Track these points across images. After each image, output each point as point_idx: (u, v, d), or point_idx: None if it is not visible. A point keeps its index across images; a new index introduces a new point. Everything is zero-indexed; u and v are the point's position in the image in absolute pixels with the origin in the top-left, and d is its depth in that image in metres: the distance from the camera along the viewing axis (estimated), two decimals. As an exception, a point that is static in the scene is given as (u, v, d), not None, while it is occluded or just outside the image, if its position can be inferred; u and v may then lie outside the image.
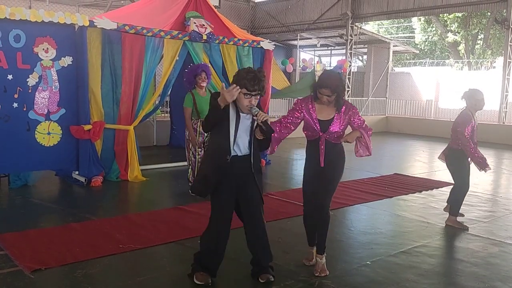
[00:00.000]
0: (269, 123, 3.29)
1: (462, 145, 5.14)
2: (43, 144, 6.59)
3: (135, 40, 7.15)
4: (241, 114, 3.36)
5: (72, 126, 6.74)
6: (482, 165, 5.14)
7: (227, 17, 9.59)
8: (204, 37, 7.84)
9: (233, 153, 3.38)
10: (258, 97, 3.32)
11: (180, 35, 7.62)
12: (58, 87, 6.66)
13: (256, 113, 3.25)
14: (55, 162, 6.78)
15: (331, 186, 3.87)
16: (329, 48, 25.28)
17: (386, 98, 19.41)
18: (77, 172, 6.93)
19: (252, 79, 3.24)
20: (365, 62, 26.41)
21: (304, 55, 25.48)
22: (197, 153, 6.26)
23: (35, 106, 6.48)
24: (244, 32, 9.53)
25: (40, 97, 6.52)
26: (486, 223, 5.60)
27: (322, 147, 3.80)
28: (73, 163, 6.91)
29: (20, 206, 5.69)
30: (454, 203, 5.38)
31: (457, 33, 26.69)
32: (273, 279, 3.60)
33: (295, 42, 23.03)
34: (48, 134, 6.63)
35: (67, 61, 6.70)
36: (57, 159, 6.76)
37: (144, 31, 7.20)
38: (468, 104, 5.26)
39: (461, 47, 27.30)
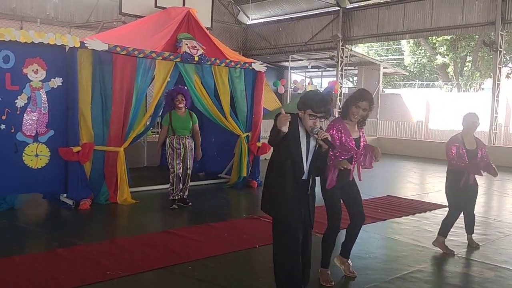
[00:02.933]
0: (330, 140, 3.36)
1: (452, 164, 5.21)
2: (30, 166, 6.46)
3: (126, 61, 7.11)
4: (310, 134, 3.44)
5: (61, 148, 6.62)
6: (478, 170, 5.18)
7: (219, 39, 9.61)
8: (196, 58, 7.82)
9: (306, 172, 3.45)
10: (323, 119, 3.38)
11: (171, 57, 7.59)
12: (47, 109, 6.57)
13: (317, 132, 3.31)
14: (43, 185, 6.64)
15: (360, 195, 4.25)
16: (320, 69, 25.47)
17: (377, 119, 19.47)
18: (65, 195, 6.79)
19: (319, 101, 3.31)
20: (355, 84, 26.62)
21: (295, 77, 25.63)
22: (175, 169, 6.74)
23: (23, 128, 6.38)
24: (236, 53, 9.55)
25: (28, 119, 6.42)
26: (482, 246, 5.52)
27: (355, 163, 4.05)
28: (61, 185, 6.77)
29: (5, 230, 5.52)
30: (443, 224, 5.33)
31: (446, 56, 27.07)
32: None
33: (286, 64, 23.17)
34: (36, 156, 6.51)
35: (57, 82, 6.63)
36: (45, 181, 6.61)
37: (136, 52, 7.16)
38: (463, 127, 5.33)
39: (450, 69, 27.67)
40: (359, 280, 4.23)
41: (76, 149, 6.66)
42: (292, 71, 25.49)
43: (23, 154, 6.39)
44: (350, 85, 29.15)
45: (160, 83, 7.49)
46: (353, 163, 4.03)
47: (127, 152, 7.38)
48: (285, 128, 3.23)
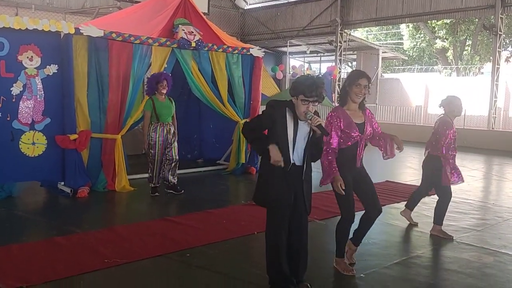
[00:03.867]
0: (324, 126, 3.31)
1: (437, 149, 5.22)
2: (27, 155, 6.42)
3: (122, 47, 7.02)
4: (299, 121, 3.36)
5: (58, 136, 6.58)
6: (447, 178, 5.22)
7: (217, 24, 9.50)
8: (193, 44, 7.74)
9: (292, 161, 3.40)
10: (316, 104, 3.31)
11: (168, 43, 7.50)
12: (43, 96, 6.50)
13: (310, 117, 3.25)
14: (40, 173, 6.60)
15: (373, 185, 4.08)
16: (319, 54, 25.35)
17: (376, 104, 19.41)
18: (62, 183, 6.76)
19: (310, 86, 3.24)
20: (354, 68, 26.46)
21: (294, 62, 25.49)
22: (156, 155, 6.63)
23: (19, 116, 6.32)
24: (233, 39, 9.45)
25: (24, 106, 6.36)
26: (479, 231, 5.53)
27: (360, 149, 3.93)
28: (58, 173, 6.74)
29: (3, 218, 5.50)
30: (438, 211, 5.32)
31: (445, 40, 26.88)
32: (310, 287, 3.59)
33: (285, 49, 23.03)
34: (32, 144, 6.47)
35: (52, 69, 6.55)
36: (42, 169, 6.58)
37: (132, 38, 7.08)
38: (446, 110, 5.27)
39: (449, 53, 27.51)
40: (358, 266, 4.21)
41: (73, 136, 6.62)
42: (290, 56, 25.35)
43: (20, 142, 6.35)
44: (349, 70, 28.99)
45: (157, 69, 7.40)
46: (358, 149, 3.92)
47: (125, 139, 7.34)
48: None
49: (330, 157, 3.80)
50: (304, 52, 24.29)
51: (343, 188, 3.76)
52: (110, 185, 7.03)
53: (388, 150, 4.06)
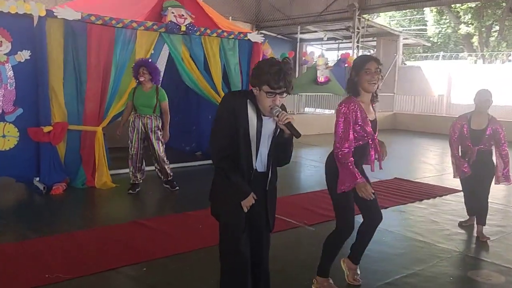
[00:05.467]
0: (294, 125, 2.57)
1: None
2: (-3, 148, 5.95)
3: (103, 32, 6.45)
4: (263, 117, 2.65)
5: (30, 128, 6.08)
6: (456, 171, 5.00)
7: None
8: (183, 28, 7.11)
9: (255, 167, 2.71)
10: (284, 95, 2.59)
11: (155, 27, 6.89)
12: (14, 85, 5.99)
13: (277, 113, 2.55)
14: (12, 168, 6.11)
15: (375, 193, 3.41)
16: (337, 41, 24.37)
17: (394, 93, 18.48)
18: (38, 179, 6.27)
19: (277, 73, 2.50)
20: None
21: (311, 49, 24.60)
22: (132, 149, 6.22)
23: (-14, 106, 5.84)
24: (231, 23, 8.77)
25: (-8, 96, 5.87)
26: (493, 241, 4.80)
27: (373, 151, 3.36)
28: (33, 168, 6.25)
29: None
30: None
31: (470, 25, 25.56)
32: None
33: (301, 36, 22.18)
34: (3, 137, 5.98)
35: (24, 55, 6.03)
36: (14, 164, 6.09)
37: (113, 22, 6.50)
38: (475, 105, 4.84)
39: (475, 39, 26.17)
40: (338, 285, 3.57)
41: (47, 129, 6.11)
42: (307, 43, 24.47)
43: (-12, 135, 5.88)
44: (370, 57, 27.83)
45: (143, 55, 6.80)
46: (370, 151, 3.35)
47: (110, 131, 6.77)
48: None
49: (348, 161, 3.20)
50: (321, 39, 23.37)
51: (373, 191, 3.19)
52: (90, 181, 6.52)
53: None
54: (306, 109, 16.49)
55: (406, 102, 18.45)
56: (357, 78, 3.22)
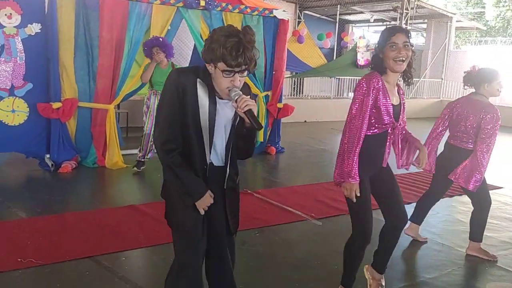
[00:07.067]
0: (255, 114, 2.07)
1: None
2: (6, 123, 5.83)
3: (116, 5, 6.17)
4: (218, 100, 2.16)
5: (39, 104, 5.93)
6: None
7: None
8: (202, 3, 6.73)
9: (209, 161, 2.23)
10: (245, 74, 2.08)
11: (172, 1, 6.55)
12: (23, 59, 5.84)
13: (236, 97, 2.05)
14: (22, 144, 6.01)
15: (399, 188, 2.98)
16: (385, 23, 23.20)
17: (442, 79, 17.39)
18: (48, 156, 6.16)
19: (234, 48, 1.97)
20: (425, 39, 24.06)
21: (357, 31, 23.61)
22: (146, 125, 6.14)
23: (-5, 80, 5.73)
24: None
25: (2, 70, 5.73)
26: (526, 250, 4.20)
27: (391, 142, 2.82)
28: (43, 145, 6.13)
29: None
30: (476, 224, 4.02)
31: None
32: None
33: (347, 17, 21.29)
34: (12, 112, 5.87)
35: (34, 28, 5.86)
36: (24, 140, 5.99)
37: (127, -6, 6.22)
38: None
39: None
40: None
41: (56, 105, 5.94)
42: (353, 25, 23.48)
43: (-3, 109, 5.78)
44: (422, 40, 26.37)
45: (158, 31, 6.49)
46: (387, 142, 2.80)
47: (126, 109, 6.57)
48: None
49: (352, 152, 2.67)
50: (368, 21, 22.34)
51: (358, 195, 2.70)
52: (100, 160, 6.35)
53: (404, 157, 2.94)
54: (350, 94, 15.79)
55: (454, 88, 17.33)
56: (382, 54, 2.68)
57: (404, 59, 2.63)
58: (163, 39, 6.12)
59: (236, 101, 2.05)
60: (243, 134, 2.19)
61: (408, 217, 3.05)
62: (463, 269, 3.75)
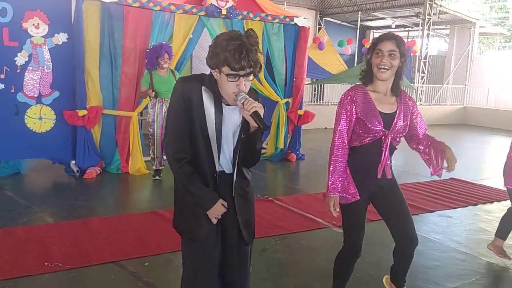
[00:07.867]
0: (262, 115, 2.06)
1: None
2: (34, 130, 6.02)
3: (139, 15, 6.32)
4: (225, 106, 2.15)
5: (66, 111, 6.09)
6: None
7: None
8: (224, 11, 6.83)
9: (219, 168, 2.21)
10: (250, 78, 2.06)
11: (194, 10, 6.66)
12: (51, 67, 6.02)
13: (243, 100, 2.04)
14: (48, 150, 6.18)
15: (406, 204, 2.82)
16: (406, 28, 23.04)
17: (465, 85, 17.15)
18: (74, 162, 6.30)
19: (237, 51, 1.98)
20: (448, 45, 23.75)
21: (378, 37, 23.48)
22: (155, 134, 6.12)
23: (24, 88, 5.90)
24: (278, 7, 8.31)
25: (30, 78, 5.92)
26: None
27: (385, 151, 2.67)
28: (68, 151, 6.28)
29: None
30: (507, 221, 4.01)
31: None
32: None
33: (368, 23, 21.21)
34: (39, 119, 6.04)
35: (61, 38, 6.04)
36: (51, 146, 6.16)
37: (151, 4, 6.34)
38: None
39: None
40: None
41: (81, 112, 6.09)
42: (375, 31, 23.37)
43: (26, 117, 5.95)
44: (445, 46, 26.01)
45: (181, 40, 6.63)
46: (382, 151, 2.66)
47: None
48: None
49: (334, 165, 2.66)
50: (389, 27, 22.20)
51: (336, 210, 2.68)
52: (124, 167, 6.48)
53: (433, 164, 2.80)
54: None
55: (478, 95, 17.07)
56: (371, 60, 2.64)
57: (387, 67, 2.57)
58: (167, 44, 6.27)
59: (243, 104, 2.03)
60: (248, 137, 2.16)
61: (417, 237, 2.80)
62: (486, 278, 3.70)
